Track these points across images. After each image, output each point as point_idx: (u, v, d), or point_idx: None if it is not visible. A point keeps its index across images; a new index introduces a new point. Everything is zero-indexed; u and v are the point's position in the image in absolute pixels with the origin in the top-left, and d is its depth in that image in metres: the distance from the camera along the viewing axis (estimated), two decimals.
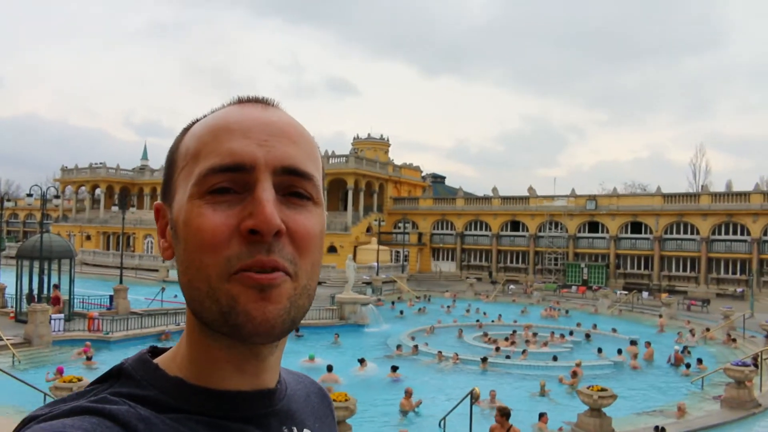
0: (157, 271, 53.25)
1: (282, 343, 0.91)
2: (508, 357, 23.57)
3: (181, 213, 0.84)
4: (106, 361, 22.14)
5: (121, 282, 34.31)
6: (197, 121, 0.92)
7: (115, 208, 74.62)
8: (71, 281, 27.51)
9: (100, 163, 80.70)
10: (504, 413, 10.54)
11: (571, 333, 26.28)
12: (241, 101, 0.91)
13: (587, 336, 28.70)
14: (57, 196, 56.07)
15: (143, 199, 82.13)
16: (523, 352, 24.29)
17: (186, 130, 0.92)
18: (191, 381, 0.86)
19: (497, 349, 24.70)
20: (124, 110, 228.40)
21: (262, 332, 0.80)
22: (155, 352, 0.94)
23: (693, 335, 29.73)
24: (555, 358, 23.35)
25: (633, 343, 25.96)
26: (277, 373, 0.95)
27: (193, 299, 0.83)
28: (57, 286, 27.15)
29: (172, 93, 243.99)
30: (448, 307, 39.88)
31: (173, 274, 51.79)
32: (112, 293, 30.95)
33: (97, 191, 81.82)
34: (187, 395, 0.84)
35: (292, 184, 0.84)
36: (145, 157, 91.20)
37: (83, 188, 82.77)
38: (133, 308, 30.36)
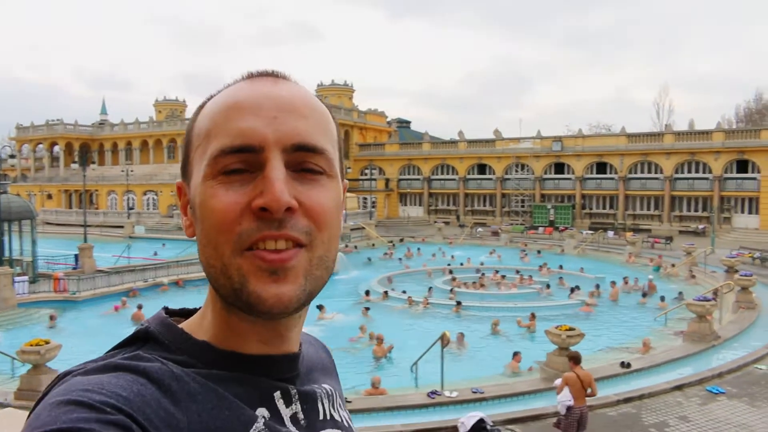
0: (122, 227, 52.59)
1: (305, 310, 0.93)
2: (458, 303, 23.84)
3: (197, 194, 0.85)
4: (74, 320, 21.98)
5: (85, 240, 33.72)
6: (212, 97, 0.92)
7: (75, 166, 73.25)
8: (33, 242, 27.01)
9: (57, 120, 78.61)
10: (574, 359, 10.66)
11: (547, 286, 26.70)
12: (251, 76, 0.91)
13: (560, 279, 29.10)
14: (13, 156, 54.73)
15: (104, 155, 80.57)
16: (481, 285, 24.90)
17: (201, 107, 0.92)
18: (218, 346, 0.87)
19: (451, 290, 25.33)
20: (75, 64, 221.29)
21: (275, 311, 0.82)
22: (171, 313, 0.96)
23: (664, 268, 30.78)
24: (546, 288, 23.79)
25: (596, 286, 26.46)
26: (299, 338, 0.97)
27: (210, 276, 0.85)
28: None
29: (128, 45, 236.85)
30: (418, 249, 40.15)
31: (139, 230, 51.29)
32: (76, 252, 30.48)
33: (56, 149, 79.87)
34: (215, 359, 0.86)
35: (303, 160, 0.84)
36: (104, 111, 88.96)
37: (41, 146, 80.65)
38: (99, 267, 29.95)
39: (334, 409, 0.99)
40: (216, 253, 0.82)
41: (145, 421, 0.71)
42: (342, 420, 1.00)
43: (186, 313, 0.98)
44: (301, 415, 0.91)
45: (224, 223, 0.80)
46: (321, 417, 0.95)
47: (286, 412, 0.89)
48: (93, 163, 75.65)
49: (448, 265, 33.49)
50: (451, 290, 25.34)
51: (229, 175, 0.82)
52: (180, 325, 0.91)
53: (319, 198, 0.84)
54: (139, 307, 21.85)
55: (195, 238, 0.88)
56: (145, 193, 70.20)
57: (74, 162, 75.04)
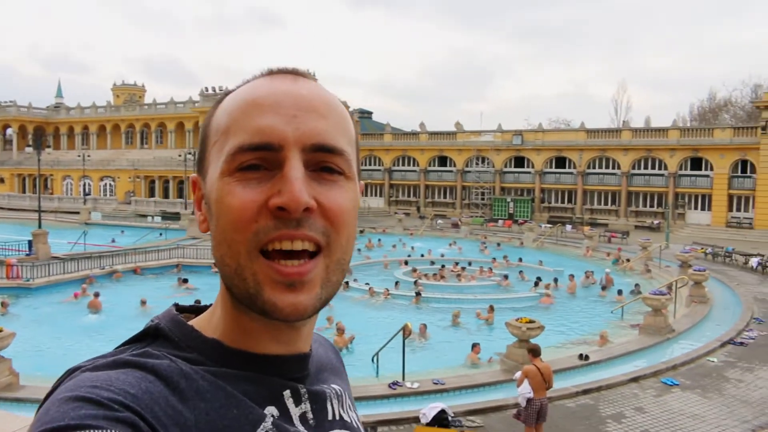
0: (78, 213, 51.46)
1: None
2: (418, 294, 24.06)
3: (213, 190, 0.84)
4: (28, 308, 21.47)
5: (39, 226, 32.93)
6: (230, 92, 0.91)
7: (29, 149, 71.33)
8: None
9: (10, 102, 76.44)
10: (533, 352, 10.75)
11: (505, 278, 26.94)
12: (271, 72, 0.90)
13: (521, 272, 29.41)
14: None
15: (60, 139, 78.72)
16: (441, 277, 25.14)
17: (218, 102, 0.91)
18: (228, 344, 0.87)
19: (415, 282, 25.38)
20: (29, 43, 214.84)
21: (291, 318, 0.82)
22: (180, 310, 0.95)
23: (621, 262, 31.41)
24: (505, 279, 24.06)
25: (555, 280, 26.85)
26: (311, 337, 0.96)
27: (224, 275, 0.84)
28: None
29: (84, 25, 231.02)
30: (379, 240, 40.17)
31: (95, 217, 50.27)
32: (30, 239, 29.70)
33: (9, 131, 77.71)
34: (225, 357, 0.85)
35: (322, 160, 0.83)
36: (59, 94, 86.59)
37: None
38: (54, 253, 29.24)
39: (343, 409, 0.98)
40: (231, 252, 0.81)
41: (153, 419, 0.70)
42: (351, 421, 0.99)
43: (196, 310, 0.97)
44: (310, 415, 0.90)
45: (240, 221, 0.79)
46: (330, 417, 0.94)
47: (295, 411, 0.88)
48: (48, 147, 73.86)
49: (408, 256, 33.59)
50: (416, 282, 25.40)
51: (246, 171, 0.81)
52: (190, 323, 0.90)
53: (337, 199, 0.83)
54: (96, 294, 21.42)
55: (209, 233, 0.87)
56: (102, 179, 68.90)
57: (28, 146, 73.12)
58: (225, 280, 0.84)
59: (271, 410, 0.84)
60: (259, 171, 0.81)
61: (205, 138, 0.90)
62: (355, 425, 1.00)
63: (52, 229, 33.97)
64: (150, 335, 0.87)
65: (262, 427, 0.81)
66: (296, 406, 0.89)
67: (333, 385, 0.99)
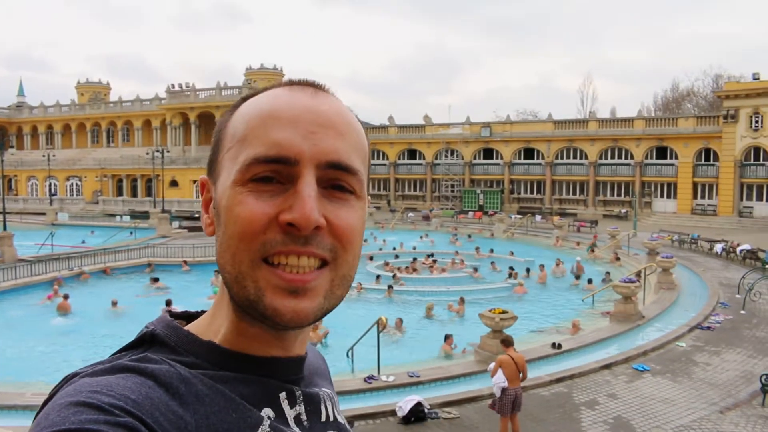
0: (44, 214, 50.53)
1: None
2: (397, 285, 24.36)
3: (224, 197, 0.84)
4: None
5: (5, 228, 32.31)
6: (246, 98, 0.91)
7: None
8: None
9: None
10: (506, 342, 10.83)
11: (475, 270, 27.18)
12: (291, 83, 0.90)
13: (492, 263, 29.66)
14: None
15: (23, 139, 77.22)
16: (414, 270, 25.31)
17: (235, 107, 0.91)
18: (226, 347, 0.87)
19: (394, 276, 25.40)
20: None
21: (291, 325, 0.83)
22: (173, 316, 0.95)
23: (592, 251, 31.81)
24: (475, 272, 24.19)
25: (527, 270, 27.13)
26: (306, 342, 0.98)
27: (225, 281, 0.85)
28: None
29: (44, 21, 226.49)
30: None
31: (62, 217, 49.44)
32: None
33: None
34: (223, 359, 0.85)
35: (336, 178, 0.84)
36: (21, 93, 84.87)
37: None
38: (21, 255, 28.70)
39: (336, 412, 1.00)
40: (233, 260, 0.81)
41: (155, 424, 0.70)
42: (344, 423, 1.01)
43: (188, 316, 0.97)
44: (304, 416, 0.91)
45: (248, 232, 0.80)
46: (323, 419, 0.95)
47: (290, 413, 0.89)
48: (11, 147, 72.39)
49: (380, 249, 33.66)
50: (394, 276, 25.44)
51: (259, 183, 0.81)
52: (186, 327, 0.90)
53: (347, 218, 0.84)
54: (65, 297, 21.09)
55: (214, 237, 0.87)
56: (68, 179, 67.75)
57: None
58: (226, 285, 0.85)
59: (267, 412, 0.85)
60: (272, 184, 0.81)
61: (219, 142, 0.89)
62: (347, 428, 1.01)
63: (18, 230, 33.34)
64: (146, 341, 0.86)
65: (260, 430, 0.82)
66: (291, 408, 0.89)
67: (324, 389, 1.00)
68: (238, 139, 0.85)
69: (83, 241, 36.62)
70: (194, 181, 54.01)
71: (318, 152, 0.81)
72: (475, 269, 27.48)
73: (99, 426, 0.66)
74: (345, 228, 0.83)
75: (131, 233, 40.60)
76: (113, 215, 51.56)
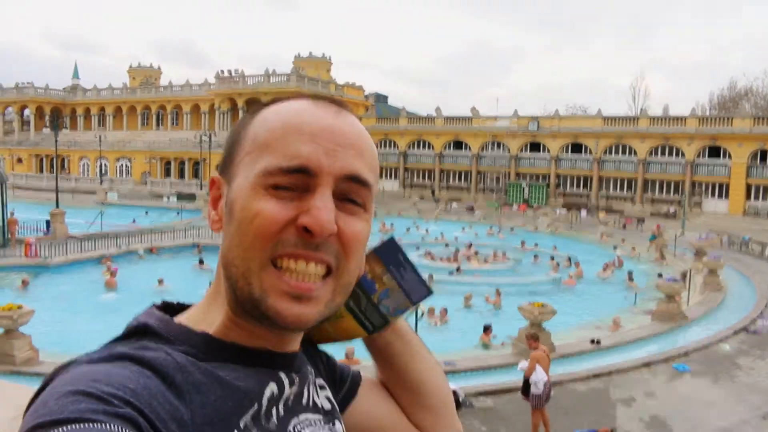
0: (94, 193, 51.85)
1: None
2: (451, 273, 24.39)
3: (241, 197, 0.85)
4: (46, 286, 21.76)
5: (57, 206, 33.20)
6: (269, 104, 0.93)
7: (46, 130, 71.86)
8: (4, 206, 26.55)
9: (28, 83, 76.88)
10: (535, 337, 10.86)
11: (536, 256, 27.24)
12: (316, 98, 0.91)
13: (535, 257, 29.51)
14: None
15: (77, 120, 79.15)
16: (457, 269, 25.17)
17: (255, 112, 0.93)
18: (219, 337, 0.88)
19: (458, 269, 25.39)
20: (43, 24, 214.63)
21: (291, 327, 0.85)
22: (165, 308, 0.95)
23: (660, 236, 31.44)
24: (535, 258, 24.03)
25: (573, 263, 26.94)
26: (300, 339, 0.98)
27: (230, 276, 0.86)
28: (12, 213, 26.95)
29: (97, 6, 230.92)
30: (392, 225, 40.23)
31: (111, 197, 50.64)
32: (48, 218, 30.03)
33: (26, 112, 78.22)
34: (217, 351, 0.86)
35: (349, 191, 0.86)
36: (76, 76, 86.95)
37: (10, 109, 78.94)
38: (71, 232, 29.55)
39: (317, 394, 1.00)
40: (244, 257, 0.83)
41: (152, 414, 0.70)
42: (321, 406, 0.99)
43: (173, 310, 0.95)
44: (291, 398, 0.92)
45: (266, 231, 0.82)
46: (304, 402, 0.95)
47: (287, 392, 0.91)
48: (65, 128, 74.30)
49: (422, 239, 33.65)
50: (458, 269, 25.52)
51: (278, 190, 0.83)
52: (175, 319, 0.90)
53: (356, 229, 0.86)
54: (112, 273, 21.69)
55: (221, 233, 0.89)
56: (117, 160, 69.31)
57: (45, 126, 73.67)
58: (229, 280, 0.86)
59: (272, 387, 0.88)
60: (289, 191, 0.83)
61: (237, 144, 0.90)
62: (329, 406, 1.01)
63: (69, 208, 34.25)
64: (139, 333, 0.86)
65: (243, 419, 0.82)
66: (290, 387, 0.92)
67: (306, 367, 1.00)
68: (260, 144, 0.86)
69: (134, 221, 37.46)
70: None
71: (337, 168, 0.84)
72: (536, 256, 28.10)
73: (97, 416, 0.65)
74: (352, 236, 0.86)
75: (178, 213, 41.40)
76: (160, 196, 52.63)
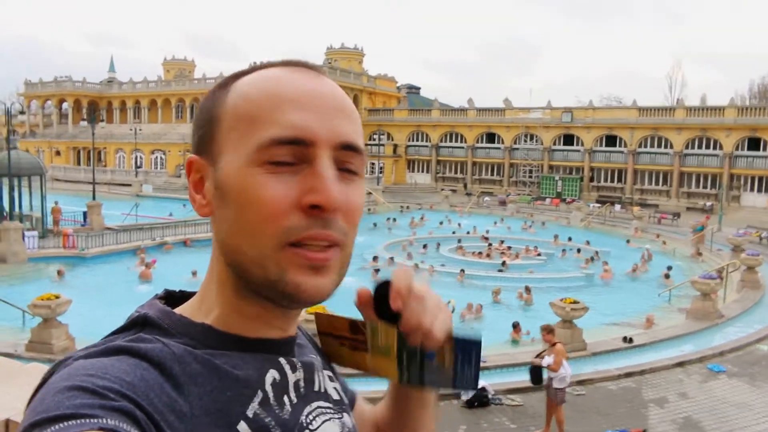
0: (130, 186, 52.69)
1: None
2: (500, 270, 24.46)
3: (235, 178, 0.83)
4: (83, 276, 22.20)
5: (93, 198, 33.84)
6: (238, 76, 0.89)
7: (83, 123, 73.08)
8: (43, 198, 27.15)
9: (66, 77, 78.23)
10: (550, 330, 10.73)
11: (564, 251, 27.22)
12: (288, 64, 0.89)
13: (563, 251, 29.36)
14: (22, 112, 54.44)
15: (113, 113, 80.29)
16: (487, 255, 25.18)
17: (225, 84, 0.89)
18: (220, 328, 0.86)
19: (503, 263, 25.43)
20: (79, 19, 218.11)
21: (312, 300, 0.83)
22: (168, 297, 0.94)
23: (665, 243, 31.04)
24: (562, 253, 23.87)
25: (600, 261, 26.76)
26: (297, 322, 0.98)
27: (237, 263, 0.84)
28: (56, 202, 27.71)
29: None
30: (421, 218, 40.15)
31: (146, 189, 51.35)
32: (85, 209, 30.61)
33: (65, 105, 79.64)
34: (216, 340, 0.85)
35: (345, 160, 0.85)
36: (112, 69, 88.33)
37: (49, 102, 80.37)
38: (107, 224, 30.12)
39: (325, 382, 0.99)
40: (255, 242, 0.81)
41: (150, 407, 0.70)
42: (331, 394, 0.98)
43: (173, 300, 0.95)
44: (302, 383, 0.91)
45: (272, 214, 0.80)
46: (316, 388, 0.94)
47: (292, 378, 0.89)
48: (101, 120, 75.50)
49: (453, 233, 33.54)
50: (503, 263, 25.51)
51: (275, 165, 0.81)
52: (176, 310, 0.89)
53: (356, 199, 0.86)
54: (147, 265, 22.05)
55: (210, 218, 0.88)
56: (153, 152, 70.21)
57: (83, 119, 74.91)
58: (236, 267, 0.85)
59: (272, 373, 0.86)
60: (287, 166, 0.81)
61: (213, 120, 0.87)
62: (338, 396, 1.00)
63: (105, 200, 34.88)
64: (138, 324, 0.86)
65: (250, 406, 0.81)
66: (293, 372, 0.90)
67: (312, 356, 0.99)
68: (247, 119, 0.83)
69: (170, 214, 37.94)
70: None
71: (332, 134, 0.83)
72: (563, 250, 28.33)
73: (94, 410, 0.65)
74: (354, 208, 0.85)
75: None
76: None
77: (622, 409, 11.09)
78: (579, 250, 28.83)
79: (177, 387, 0.76)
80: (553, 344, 10.32)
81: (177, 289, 0.97)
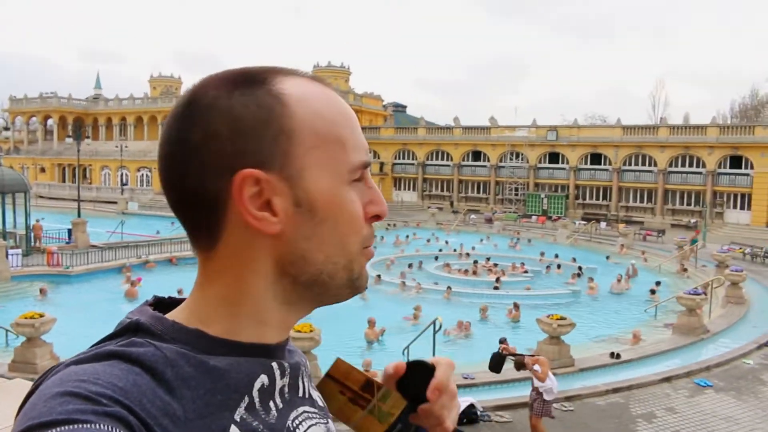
0: (116, 203, 52.38)
1: None
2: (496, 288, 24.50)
3: (330, 196, 0.85)
4: (67, 294, 22.00)
5: (79, 215, 33.59)
6: (273, 74, 0.86)
7: (69, 140, 72.67)
8: (27, 215, 26.90)
9: (51, 93, 78.01)
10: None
11: (555, 266, 27.34)
12: (313, 78, 0.91)
13: (548, 267, 29.53)
14: (6, 128, 54.03)
15: (98, 130, 80.00)
16: (497, 280, 25.27)
17: (278, 94, 0.83)
18: (213, 334, 0.85)
19: (497, 280, 25.43)
20: (66, 35, 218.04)
21: (363, 290, 0.94)
22: (157, 304, 0.93)
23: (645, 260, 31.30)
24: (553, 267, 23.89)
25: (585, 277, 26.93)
26: None
27: (326, 272, 0.87)
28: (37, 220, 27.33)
29: (119, 17, 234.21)
30: (407, 237, 40.15)
31: (132, 206, 51.06)
32: (70, 227, 30.38)
33: (50, 122, 79.33)
34: (210, 346, 0.83)
35: (362, 174, 0.91)
36: (98, 86, 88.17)
37: (34, 119, 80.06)
38: (93, 242, 29.87)
39: (311, 386, 0.99)
40: (344, 251, 0.88)
41: (143, 412, 0.70)
42: (317, 399, 0.99)
43: (164, 306, 0.93)
44: (286, 389, 0.91)
45: (359, 225, 0.88)
46: (300, 393, 0.94)
47: (279, 383, 0.89)
48: (87, 137, 75.10)
49: (440, 250, 33.56)
50: (497, 280, 25.53)
51: (354, 182, 0.88)
52: (167, 316, 0.88)
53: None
54: (133, 283, 21.88)
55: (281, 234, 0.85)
56: (138, 170, 69.92)
57: (68, 136, 74.49)
58: (324, 276, 0.87)
59: (262, 378, 0.86)
60: (356, 182, 0.89)
61: (283, 135, 0.82)
62: (320, 405, 0.99)
63: (90, 218, 34.62)
64: (131, 330, 0.83)
65: (237, 411, 0.81)
66: (281, 378, 0.90)
67: (298, 358, 0.99)
68: (332, 140, 0.85)
69: (158, 232, 37.67)
70: None
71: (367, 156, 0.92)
72: (548, 266, 28.14)
73: (86, 416, 0.65)
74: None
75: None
76: None
77: (610, 424, 11.10)
78: (559, 266, 29.31)
79: (170, 391, 0.75)
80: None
81: (166, 296, 0.97)
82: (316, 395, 0.98)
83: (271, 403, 0.87)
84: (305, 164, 0.83)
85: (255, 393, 0.84)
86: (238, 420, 0.81)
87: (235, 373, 0.83)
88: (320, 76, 0.92)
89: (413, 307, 20.08)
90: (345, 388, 0.98)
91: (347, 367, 0.98)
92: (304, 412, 0.93)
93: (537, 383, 10.08)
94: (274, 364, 0.89)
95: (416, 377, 0.94)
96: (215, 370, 0.81)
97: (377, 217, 0.90)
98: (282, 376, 0.90)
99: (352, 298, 0.96)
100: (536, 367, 10.18)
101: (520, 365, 10.26)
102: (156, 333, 0.82)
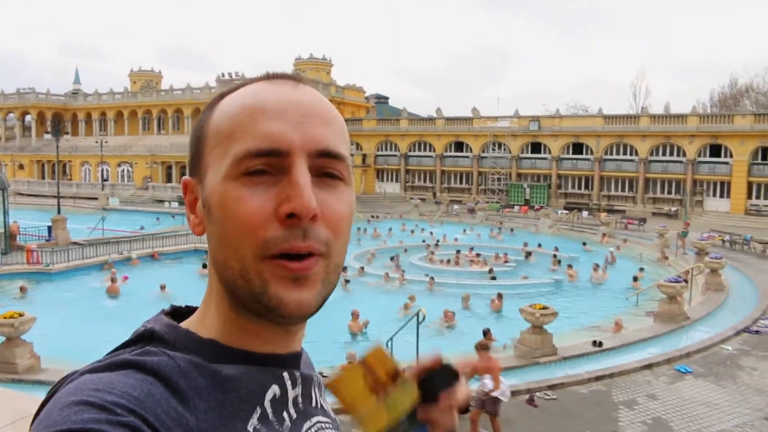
0: (96, 199, 51.98)
1: None
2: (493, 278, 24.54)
3: (215, 194, 0.83)
4: (48, 293, 21.79)
5: (59, 212, 33.26)
6: (224, 95, 0.90)
7: (47, 136, 72.02)
8: (5, 213, 26.59)
9: (29, 88, 77.08)
10: (483, 347, 10.34)
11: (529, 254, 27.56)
12: (270, 77, 0.90)
13: (528, 255, 29.74)
14: None
15: (78, 125, 79.28)
16: (490, 270, 25.38)
17: (213, 104, 0.90)
18: (226, 344, 0.86)
19: (491, 270, 25.49)
20: (46, 30, 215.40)
21: (296, 315, 0.83)
22: (173, 313, 0.94)
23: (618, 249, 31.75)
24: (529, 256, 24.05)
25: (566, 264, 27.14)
26: (302, 339, 0.97)
27: (226, 278, 0.84)
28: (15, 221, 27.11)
29: (98, 12, 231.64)
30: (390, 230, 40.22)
31: (113, 202, 50.69)
32: (50, 224, 30.07)
33: (28, 118, 78.40)
34: (222, 355, 0.84)
35: (325, 166, 0.84)
36: (77, 81, 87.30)
37: (12, 115, 79.20)
38: (73, 238, 29.60)
39: (322, 397, 0.99)
40: (236, 255, 0.81)
41: (156, 422, 0.70)
42: (329, 410, 1.00)
43: (180, 315, 0.95)
44: (300, 399, 0.91)
45: (250, 227, 0.79)
46: (314, 404, 0.95)
47: (291, 393, 0.89)
48: (66, 133, 74.47)
49: (423, 241, 33.65)
50: (491, 270, 25.66)
51: (251, 176, 0.80)
52: (182, 325, 0.89)
53: (337, 206, 0.84)
54: (113, 280, 21.73)
55: (204, 236, 0.88)
56: (119, 165, 69.39)
57: (47, 132, 73.81)
58: (226, 282, 0.84)
59: (274, 389, 0.86)
60: (264, 176, 0.81)
61: (201, 140, 0.88)
62: (332, 416, 1.00)
63: (70, 214, 34.33)
64: (145, 338, 0.85)
65: (250, 422, 0.81)
66: (293, 388, 0.90)
67: (309, 371, 0.99)
68: (224, 135, 0.84)
69: (141, 227, 37.38)
70: None
71: (308, 141, 0.82)
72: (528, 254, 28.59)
73: (101, 425, 0.65)
74: (337, 216, 0.84)
75: (173, 217, 41.41)
76: (162, 201, 52.70)
77: (592, 412, 11.20)
78: (530, 254, 30.01)
79: (183, 401, 0.75)
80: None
81: (183, 305, 0.98)
82: (327, 406, 0.99)
83: (285, 414, 0.87)
84: (208, 164, 0.86)
85: (267, 404, 0.85)
86: (251, 431, 0.81)
87: (247, 383, 0.83)
88: (287, 74, 0.91)
89: (408, 296, 20.10)
90: (371, 374, 0.97)
91: (384, 354, 0.98)
92: (318, 422, 0.94)
93: (492, 390, 9.67)
94: (286, 374, 0.89)
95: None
96: (227, 380, 0.81)
97: (294, 218, 0.79)
98: (294, 386, 0.90)
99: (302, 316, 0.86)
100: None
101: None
102: (169, 342, 0.84)
